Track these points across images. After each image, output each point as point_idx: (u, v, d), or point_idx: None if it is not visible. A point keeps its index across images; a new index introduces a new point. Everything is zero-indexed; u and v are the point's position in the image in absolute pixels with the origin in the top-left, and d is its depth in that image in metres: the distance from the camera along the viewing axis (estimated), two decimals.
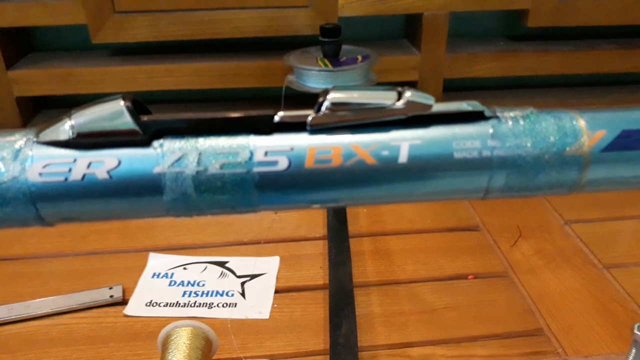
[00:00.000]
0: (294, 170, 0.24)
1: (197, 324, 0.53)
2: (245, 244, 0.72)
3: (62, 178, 0.23)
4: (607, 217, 0.79)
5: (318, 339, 0.57)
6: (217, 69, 1.02)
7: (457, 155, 0.25)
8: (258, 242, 0.72)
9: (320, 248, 0.71)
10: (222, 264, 0.67)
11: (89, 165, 0.23)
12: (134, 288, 0.64)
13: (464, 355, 0.56)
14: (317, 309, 0.61)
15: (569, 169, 0.25)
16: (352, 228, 0.74)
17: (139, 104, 0.25)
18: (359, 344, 0.56)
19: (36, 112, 1.11)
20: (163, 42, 1.03)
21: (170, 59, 1.03)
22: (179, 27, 0.98)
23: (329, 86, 0.83)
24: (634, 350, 0.40)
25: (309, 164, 0.24)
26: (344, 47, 0.92)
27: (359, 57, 0.91)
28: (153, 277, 0.66)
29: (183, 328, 0.53)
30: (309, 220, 0.77)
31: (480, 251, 0.71)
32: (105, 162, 0.24)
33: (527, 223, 0.77)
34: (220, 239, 0.73)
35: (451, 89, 1.10)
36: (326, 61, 0.89)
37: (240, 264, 0.67)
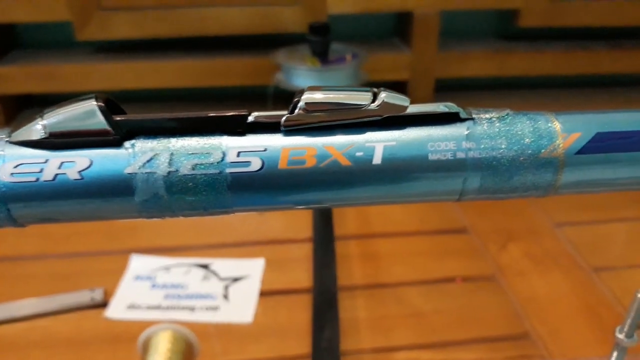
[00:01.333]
0: (268, 171, 0.24)
1: (178, 328, 0.52)
2: (230, 245, 0.71)
3: (33, 178, 0.23)
4: (597, 219, 0.78)
5: (302, 343, 0.56)
6: (204, 66, 1.01)
7: (431, 156, 0.24)
8: (243, 244, 0.71)
9: (306, 250, 0.70)
10: (205, 266, 0.66)
11: (60, 166, 0.23)
12: (115, 290, 0.63)
13: (449, 359, 0.55)
14: (302, 312, 0.60)
15: (544, 171, 0.25)
16: (339, 230, 0.73)
17: (112, 104, 0.25)
18: (343, 348, 0.55)
19: (20, 110, 1.09)
20: (149, 40, 1.01)
21: (157, 57, 1.02)
22: (165, 24, 0.97)
23: (318, 85, 0.81)
24: (615, 354, 0.39)
25: (282, 164, 0.24)
26: (333, 45, 0.91)
27: (348, 56, 0.90)
28: (135, 279, 0.64)
29: (164, 331, 0.52)
30: (296, 222, 0.76)
31: (468, 254, 0.71)
32: (77, 162, 0.23)
33: (517, 226, 0.76)
34: (204, 240, 0.72)
35: (442, 88, 1.10)
36: (315, 60, 0.88)
37: (224, 266, 0.66)
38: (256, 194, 0.24)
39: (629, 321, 0.39)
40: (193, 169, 0.23)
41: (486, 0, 1.02)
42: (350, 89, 0.25)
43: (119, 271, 0.66)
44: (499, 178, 0.25)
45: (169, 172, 0.23)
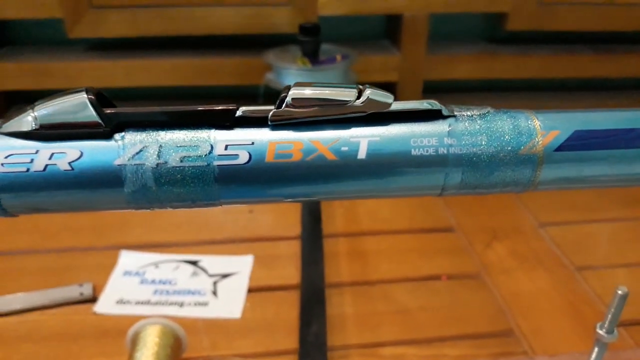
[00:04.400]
0: (255, 164, 0.24)
1: (166, 322, 0.53)
2: (219, 242, 0.72)
3: (24, 168, 0.23)
4: (581, 220, 0.79)
5: (290, 339, 0.57)
6: (195, 65, 1.01)
7: (414, 152, 0.25)
8: (231, 241, 0.72)
9: (295, 248, 0.71)
10: (194, 263, 0.67)
11: (50, 157, 0.24)
12: (105, 286, 0.63)
13: (434, 355, 0.56)
14: (290, 308, 0.61)
15: (523, 167, 0.26)
16: (328, 228, 0.74)
17: (102, 97, 0.25)
18: (331, 344, 0.55)
19: (9, 107, 1.09)
20: (141, 38, 1.02)
21: (148, 55, 1.02)
22: (157, 22, 0.97)
23: None
24: (596, 349, 0.40)
25: (269, 158, 0.24)
26: (324, 46, 0.92)
27: (338, 57, 0.91)
28: (124, 275, 0.65)
29: (152, 325, 0.52)
30: (285, 219, 0.76)
31: (454, 252, 0.72)
32: (67, 154, 0.24)
33: (502, 225, 0.77)
34: (193, 237, 0.73)
35: (430, 90, 1.11)
36: (305, 60, 0.89)
37: (213, 262, 0.67)
38: (243, 187, 0.25)
39: (609, 317, 0.40)
40: (181, 161, 0.24)
41: (475, 3, 1.03)
42: (336, 86, 0.25)
43: (108, 267, 0.66)
44: (479, 174, 0.26)
45: (157, 164, 0.24)
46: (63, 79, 1.01)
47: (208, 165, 0.24)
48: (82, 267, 0.67)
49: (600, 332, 0.41)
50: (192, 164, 0.24)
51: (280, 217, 0.77)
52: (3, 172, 0.23)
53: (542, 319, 0.61)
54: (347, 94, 0.25)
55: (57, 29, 1.00)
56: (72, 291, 0.62)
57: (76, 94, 0.24)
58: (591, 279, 0.67)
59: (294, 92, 0.25)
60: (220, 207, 0.72)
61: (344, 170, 0.25)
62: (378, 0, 1.00)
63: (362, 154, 0.25)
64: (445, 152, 0.25)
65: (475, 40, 1.15)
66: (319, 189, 0.25)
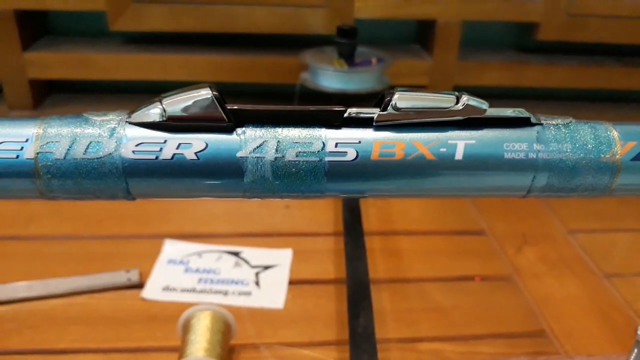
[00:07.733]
0: (361, 161, 0.27)
1: (218, 309, 0.55)
2: (258, 235, 0.74)
3: (153, 156, 0.26)
4: (608, 228, 0.82)
5: (331, 330, 0.59)
6: (231, 62, 1.03)
7: (507, 155, 0.27)
8: (270, 235, 0.74)
9: (331, 244, 0.73)
10: (236, 254, 0.69)
11: (178, 146, 0.26)
12: (149, 273, 0.65)
13: (471, 352, 0.58)
14: (329, 302, 0.63)
15: (602, 174, 0.28)
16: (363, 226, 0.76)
17: (220, 94, 0.27)
18: None
19: (48, 95, 1.11)
20: (179, 33, 1.04)
21: (185, 50, 1.04)
22: (196, 19, 0.99)
23: (344, 86, 0.86)
24: (635, 351, 0.42)
25: (374, 156, 0.27)
26: (359, 48, 0.94)
27: (374, 60, 0.93)
28: (169, 263, 0.67)
29: (204, 311, 0.55)
30: (320, 216, 0.78)
31: (485, 255, 0.74)
32: (193, 144, 0.26)
33: (532, 230, 0.79)
34: (232, 229, 0.75)
35: None
36: (341, 61, 0.91)
37: (254, 254, 0.69)
38: (348, 182, 0.27)
39: None
40: (297, 155, 0.26)
41: (507, 12, 1.05)
42: (435, 92, 0.28)
43: (151, 255, 0.68)
44: (563, 178, 0.28)
45: (275, 158, 0.26)
46: (101, 71, 1.03)
47: (320, 160, 0.26)
48: (126, 254, 0.69)
49: None
50: (306, 159, 0.26)
51: (316, 213, 0.79)
52: (133, 159, 0.26)
53: (572, 321, 0.63)
54: (447, 100, 0.27)
55: (98, 21, 1.03)
56: (120, 276, 0.64)
57: (201, 90, 0.26)
58: (619, 285, 0.69)
59: (398, 97, 0.27)
60: (256, 201, 0.74)
61: (441, 170, 0.27)
62: (413, 5, 1.02)
63: (459, 155, 0.27)
64: (534, 156, 0.27)
65: (505, 49, 1.17)
66: (417, 186, 0.27)
